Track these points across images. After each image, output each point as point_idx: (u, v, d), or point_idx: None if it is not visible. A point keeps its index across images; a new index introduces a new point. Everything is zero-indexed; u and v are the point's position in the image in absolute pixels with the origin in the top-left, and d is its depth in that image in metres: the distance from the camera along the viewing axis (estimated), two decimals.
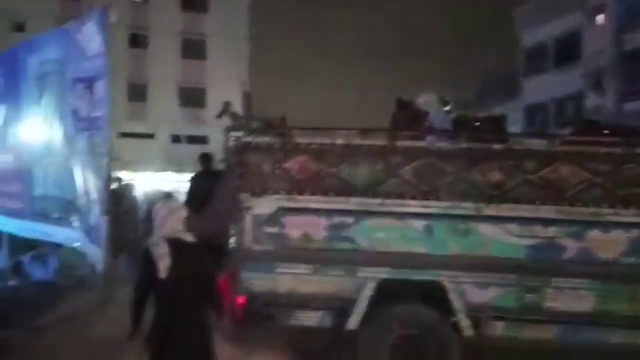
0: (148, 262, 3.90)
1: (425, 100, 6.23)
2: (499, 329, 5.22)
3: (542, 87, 28.77)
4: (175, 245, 3.94)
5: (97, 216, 6.67)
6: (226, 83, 24.15)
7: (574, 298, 5.11)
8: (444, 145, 5.37)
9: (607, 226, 5.10)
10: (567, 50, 27.64)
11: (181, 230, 4.01)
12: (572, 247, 5.14)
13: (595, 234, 5.11)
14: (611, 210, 5.09)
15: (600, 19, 25.98)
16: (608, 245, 5.11)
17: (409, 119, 6.25)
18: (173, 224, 3.99)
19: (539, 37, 29.25)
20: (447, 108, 6.43)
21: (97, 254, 6.71)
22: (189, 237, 4.03)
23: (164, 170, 23.48)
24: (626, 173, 5.09)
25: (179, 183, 18.44)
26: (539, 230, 5.17)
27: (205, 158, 7.70)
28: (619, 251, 5.10)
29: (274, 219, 5.40)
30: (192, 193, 7.60)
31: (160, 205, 4.22)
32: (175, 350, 3.93)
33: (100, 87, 6.70)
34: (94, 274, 7.50)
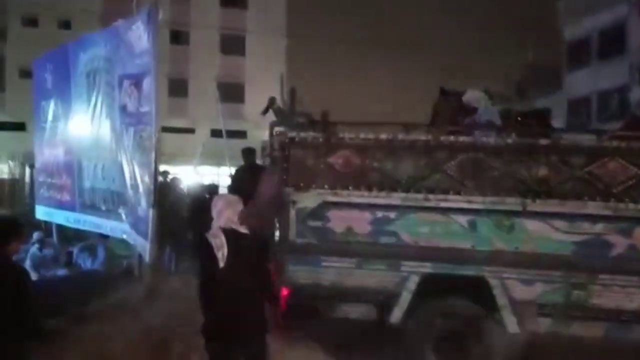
0: (207, 253, 4.06)
1: (473, 96, 6.19)
2: (544, 325, 5.18)
3: (585, 80, 28.08)
4: (231, 235, 4.09)
5: (144, 208, 6.86)
6: (264, 78, 24.38)
7: (621, 295, 5.03)
8: (490, 139, 5.34)
9: None
10: (611, 43, 26.87)
11: (237, 222, 4.15)
12: (619, 244, 5.06)
13: None
14: None
15: None
16: None
17: (451, 108, 6.24)
18: (230, 215, 4.14)
19: (582, 29, 28.53)
20: (491, 102, 6.37)
21: (143, 245, 6.91)
22: (244, 229, 4.16)
23: (203, 164, 23.82)
24: None
25: (219, 176, 18.72)
26: (586, 226, 5.11)
27: (248, 152, 7.81)
28: None
29: (317, 212, 5.47)
30: (235, 187, 7.73)
31: (218, 198, 4.44)
32: (234, 340, 4.05)
33: (147, 83, 6.88)
34: (140, 264, 7.71)
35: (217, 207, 4.21)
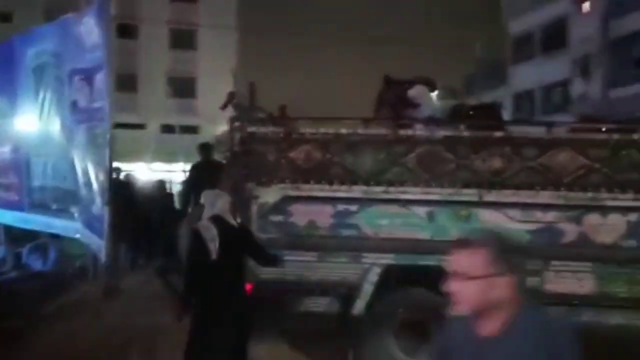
0: (198, 245, 4.14)
1: (418, 92, 6.32)
2: None
3: (529, 74, 29.00)
4: (221, 226, 4.36)
5: (99, 207, 6.70)
6: (217, 73, 24.09)
7: (573, 281, 5.25)
8: (447, 133, 5.47)
9: (605, 210, 5.23)
10: (554, 38, 27.85)
11: (227, 212, 4.47)
12: (570, 231, 5.27)
13: (593, 218, 5.25)
14: (609, 195, 5.22)
15: (586, 6, 26.18)
16: (606, 229, 5.24)
17: (395, 98, 6.34)
18: (222, 205, 4.44)
19: (526, 24, 29.44)
20: (434, 94, 6.49)
21: (98, 244, 6.75)
22: (232, 219, 4.46)
23: (154, 160, 23.44)
24: (623, 158, 5.22)
25: (170, 173, 18.44)
26: (539, 215, 5.30)
27: (204, 148, 7.73)
28: (616, 235, 5.23)
29: (279, 207, 5.48)
30: (191, 183, 7.65)
31: (208, 191, 4.77)
32: (220, 331, 4.37)
33: (100, 78, 6.71)
34: (95, 263, 7.55)
35: (207, 199, 4.46)
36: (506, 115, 27.98)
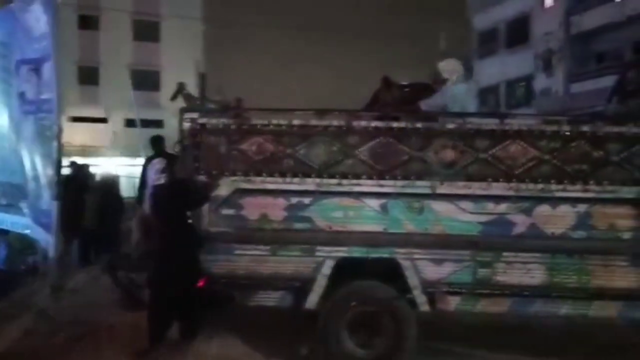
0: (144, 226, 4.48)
1: (450, 65, 6.05)
2: (453, 303, 5.36)
3: (494, 69, 29.36)
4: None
5: (47, 201, 6.51)
6: (181, 65, 23.74)
7: (524, 271, 5.28)
8: (400, 124, 5.44)
9: (555, 201, 5.28)
10: (518, 33, 28.23)
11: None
12: (522, 222, 5.30)
13: (543, 209, 5.29)
14: (559, 186, 5.26)
15: (549, 2, 26.60)
16: (556, 219, 5.29)
17: (393, 99, 6.27)
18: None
19: (490, 19, 29.78)
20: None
21: (47, 240, 6.57)
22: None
23: (117, 154, 23.02)
24: (573, 150, 5.27)
25: (133, 167, 18.09)
26: (490, 206, 5.32)
27: (156, 141, 7.57)
28: (566, 225, 5.29)
29: (231, 200, 5.39)
30: (145, 177, 7.48)
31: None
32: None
33: (48, 69, 6.51)
34: (45, 259, 7.34)
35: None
36: (472, 109, 28.31)
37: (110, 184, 9.15)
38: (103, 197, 8.21)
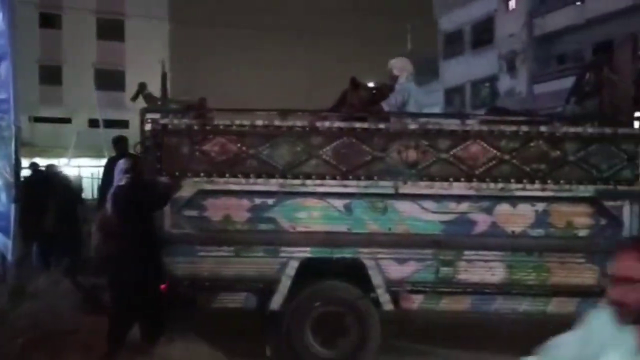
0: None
1: (401, 63, 6.11)
2: (416, 302, 5.42)
3: (460, 70, 29.76)
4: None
5: (5, 204, 6.35)
6: (147, 65, 23.39)
7: (485, 269, 5.37)
8: (363, 124, 5.47)
9: (514, 200, 5.38)
10: (482, 34, 28.70)
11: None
12: (482, 221, 5.39)
13: (504, 208, 5.38)
14: (518, 185, 5.36)
15: (512, 4, 27.10)
16: (516, 218, 5.39)
17: (359, 100, 6.28)
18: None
19: (456, 21, 30.18)
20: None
21: (5, 243, 6.40)
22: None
23: (79, 155, 22.58)
24: (531, 150, 5.38)
25: (97, 168, 17.78)
26: (452, 206, 5.39)
27: (119, 141, 7.46)
28: (525, 224, 5.39)
29: (193, 202, 5.35)
30: (107, 178, 7.35)
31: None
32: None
33: (4, 68, 6.34)
34: (4, 263, 7.15)
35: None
36: (438, 109, 28.72)
37: (71, 186, 8.97)
38: (64, 200, 8.04)
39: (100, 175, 9.22)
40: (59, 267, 7.03)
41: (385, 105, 5.95)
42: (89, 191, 17.47)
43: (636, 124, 5.54)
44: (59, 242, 7.97)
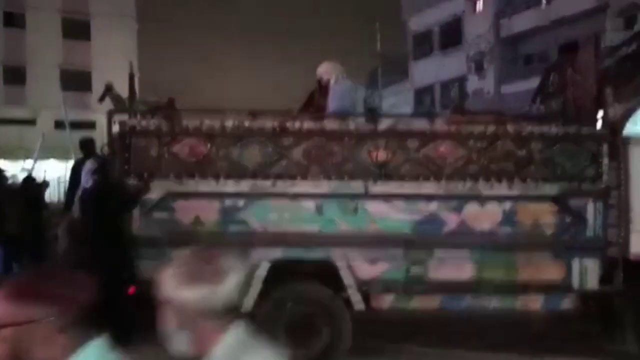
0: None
1: (326, 67, 6.06)
2: (387, 301, 5.45)
3: (429, 70, 30.06)
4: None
5: None
6: (114, 65, 23.06)
7: (454, 268, 5.43)
8: (333, 125, 5.47)
9: (482, 199, 5.45)
10: (451, 35, 29.03)
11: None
12: (451, 220, 5.45)
13: (472, 207, 5.46)
14: (486, 184, 5.44)
15: (480, 5, 27.49)
16: (484, 217, 5.47)
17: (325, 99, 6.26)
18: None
19: (424, 22, 30.46)
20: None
21: None
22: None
23: (45, 157, 22.11)
24: (498, 149, 5.46)
25: (64, 170, 17.44)
26: (422, 205, 5.44)
27: (86, 143, 7.32)
28: (494, 222, 5.48)
29: (162, 204, 5.29)
30: (74, 180, 7.21)
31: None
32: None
33: None
34: None
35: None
36: (408, 109, 28.95)
37: (34, 189, 8.76)
38: (26, 203, 7.85)
39: (67, 178, 9.03)
40: (25, 272, 6.84)
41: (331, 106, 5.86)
42: (55, 194, 17.13)
43: (599, 124, 5.66)
44: (24, 247, 7.78)
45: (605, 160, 5.49)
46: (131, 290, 5.16)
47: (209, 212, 5.35)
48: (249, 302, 5.27)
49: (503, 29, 26.03)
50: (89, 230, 5.46)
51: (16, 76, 27.16)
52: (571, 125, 5.58)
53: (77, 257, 5.60)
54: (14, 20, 27.39)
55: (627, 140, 5.62)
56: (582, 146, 5.51)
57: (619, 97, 5.64)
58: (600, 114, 5.69)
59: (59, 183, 18.37)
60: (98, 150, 6.45)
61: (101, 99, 5.78)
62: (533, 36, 24.95)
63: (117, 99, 5.67)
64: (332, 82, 5.97)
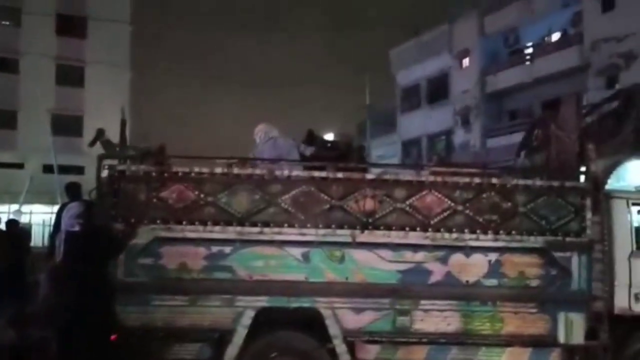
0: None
1: (257, 129, 6.52)
2: (373, 352, 5.40)
3: (416, 123, 30.57)
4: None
5: None
6: (106, 111, 23.25)
7: (440, 319, 5.42)
8: (321, 173, 5.53)
9: (468, 250, 5.49)
10: (438, 90, 29.68)
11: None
12: (438, 271, 5.47)
13: (458, 258, 5.49)
14: (472, 236, 5.49)
15: (466, 62, 28.24)
16: (470, 268, 5.50)
17: (314, 151, 6.42)
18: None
19: (413, 76, 31.17)
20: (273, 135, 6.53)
21: None
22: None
23: (33, 201, 21.96)
24: (484, 201, 5.54)
25: (50, 215, 17.29)
26: (409, 255, 5.46)
27: (72, 188, 7.31)
28: (479, 274, 5.50)
29: (149, 249, 5.27)
30: (58, 225, 7.15)
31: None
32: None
33: None
34: None
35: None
36: (395, 161, 29.29)
37: (17, 233, 8.67)
38: (10, 246, 7.75)
39: (52, 222, 8.95)
40: (4, 317, 6.71)
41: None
42: (40, 239, 16.92)
43: (582, 178, 5.78)
44: (5, 292, 7.63)
45: (589, 214, 5.58)
46: (113, 337, 5.06)
47: (195, 259, 5.33)
48: (232, 352, 5.20)
49: (489, 85, 26.67)
50: (71, 276, 5.38)
51: (8, 120, 27.24)
52: (555, 179, 5.69)
53: (58, 303, 5.50)
54: (8, 65, 27.67)
55: (609, 195, 5.74)
56: (566, 200, 5.60)
57: (601, 153, 5.80)
58: (583, 169, 5.83)
59: (44, 227, 18.16)
60: (86, 195, 6.44)
61: (92, 144, 5.83)
62: (517, 92, 25.56)
63: (107, 144, 5.72)
64: (257, 141, 6.46)
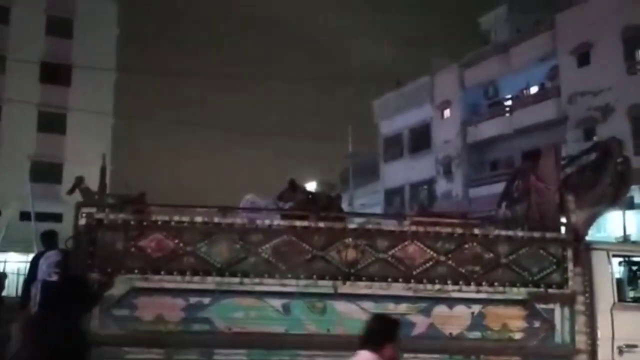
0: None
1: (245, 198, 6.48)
2: None
3: (399, 172, 30.82)
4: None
5: None
6: (87, 158, 23.13)
7: None
8: (303, 224, 5.48)
9: (451, 302, 5.42)
10: (420, 139, 30.10)
11: None
12: (421, 323, 5.38)
13: (441, 309, 5.41)
14: (455, 287, 5.44)
15: (447, 112, 28.78)
16: (453, 320, 5.42)
17: (298, 201, 6.40)
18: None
19: (395, 126, 31.65)
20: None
21: None
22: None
23: (8, 249, 21.50)
24: (466, 252, 5.52)
25: (24, 264, 16.87)
26: (391, 306, 5.37)
27: (48, 236, 7.15)
28: (462, 326, 5.42)
29: (125, 300, 5.13)
30: (32, 274, 6.96)
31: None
32: None
33: None
34: None
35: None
36: (378, 209, 29.34)
37: None
38: None
39: (26, 272, 8.71)
40: None
41: None
42: (13, 288, 16.45)
43: (562, 229, 5.80)
44: None
45: (570, 266, 5.58)
46: None
47: (172, 310, 5.19)
48: None
49: (470, 136, 27.12)
50: (47, 328, 5.19)
51: None
52: (536, 230, 5.70)
53: (32, 357, 5.29)
54: None
55: (590, 246, 5.76)
56: (548, 251, 5.60)
57: (581, 204, 5.83)
58: (564, 220, 5.85)
59: (18, 276, 17.70)
60: (62, 244, 6.30)
61: (70, 191, 5.74)
62: (498, 143, 26.01)
63: (86, 191, 5.63)
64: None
